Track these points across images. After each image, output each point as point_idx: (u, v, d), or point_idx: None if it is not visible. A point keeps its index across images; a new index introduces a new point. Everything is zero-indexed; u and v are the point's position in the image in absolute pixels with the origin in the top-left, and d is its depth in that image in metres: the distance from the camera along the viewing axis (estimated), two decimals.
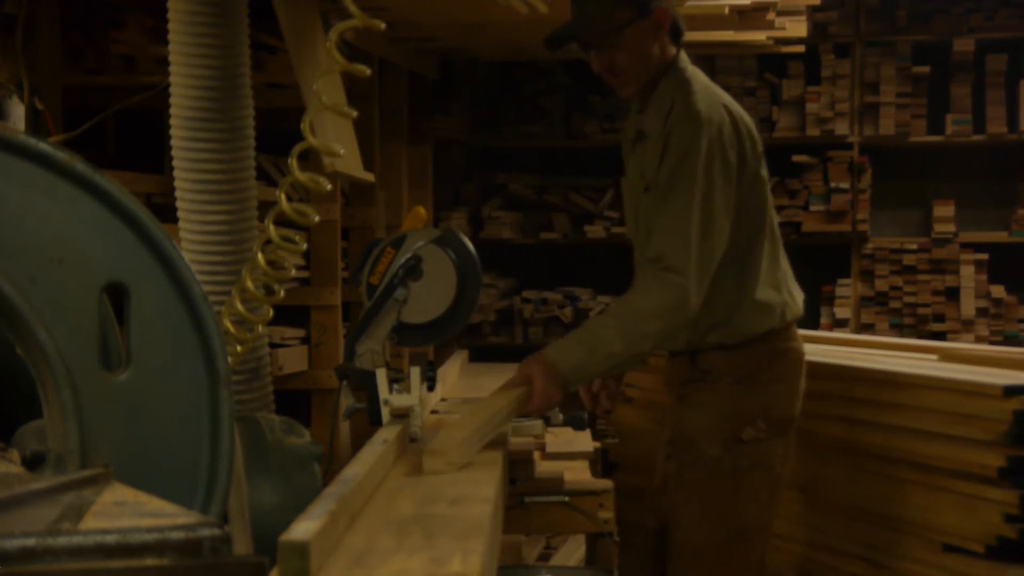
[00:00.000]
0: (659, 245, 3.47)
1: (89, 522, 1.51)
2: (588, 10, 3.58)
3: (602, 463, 5.30)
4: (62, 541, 1.40)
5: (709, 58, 7.91)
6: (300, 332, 4.98)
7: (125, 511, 1.57)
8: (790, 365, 3.70)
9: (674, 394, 3.77)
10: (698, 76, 3.60)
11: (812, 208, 7.89)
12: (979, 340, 7.64)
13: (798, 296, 3.76)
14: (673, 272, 3.43)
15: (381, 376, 3.55)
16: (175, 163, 3.30)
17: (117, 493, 1.64)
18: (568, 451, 4.23)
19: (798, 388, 3.71)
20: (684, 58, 3.63)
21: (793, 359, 3.71)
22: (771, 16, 5.73)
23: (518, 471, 3.82)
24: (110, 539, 1.41)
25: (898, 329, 7.81)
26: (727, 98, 3.60)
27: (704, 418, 3.65)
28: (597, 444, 4.54)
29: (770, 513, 3.70)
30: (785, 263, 3.73)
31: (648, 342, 3.47)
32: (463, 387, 5.18)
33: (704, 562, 3.65)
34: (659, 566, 3.78)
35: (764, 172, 3.63)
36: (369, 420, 3.64)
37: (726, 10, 5.36)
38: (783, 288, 3.69)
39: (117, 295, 2.05)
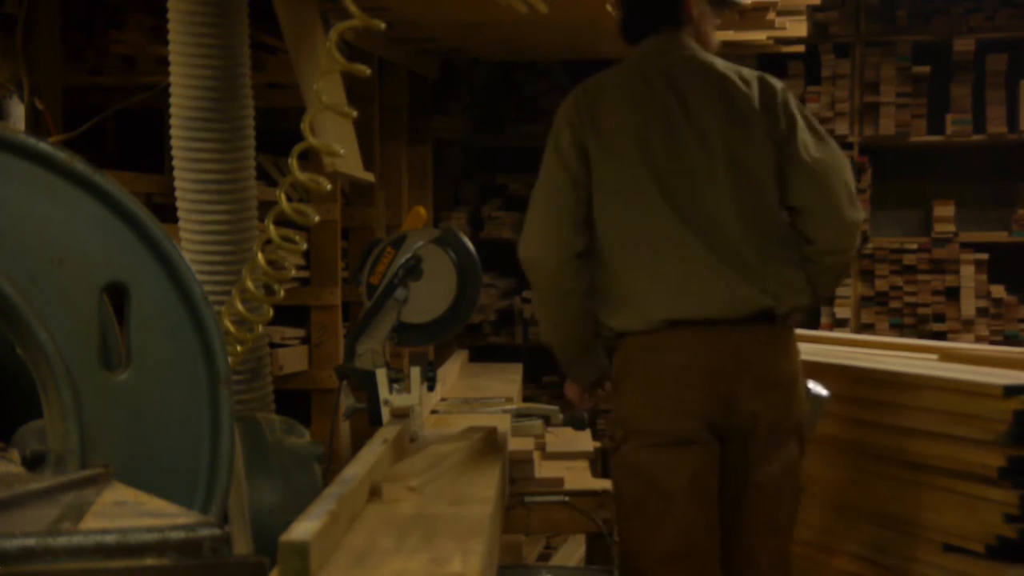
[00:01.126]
0: None
1: (89, 522, 1.51)
2: None
3: (602, 463, 5.30)
4: (62, 541, 1.40)
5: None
6: (300, 332, 4.98)
7: (125, 511, 1.57)
8: (646, 375, 3.44)
9: None
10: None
11: None
12: (979, 340, 7.63)
13: (684, 303, 3.41)
14: None
15: (381, 376, 3.55)
16: (175, 163, 3.30)
17: (117, 493, 1.64)
18: (568, 451, 4.24)
19: (660, 398, 3.41)
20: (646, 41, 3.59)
21: (653, 369, 3.43)
22: (771, 16, 5.73)
23: (518, 471, 3.83)
24: (110, 539, 1.41)
25: (898, 329, 7.81)
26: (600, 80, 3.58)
27: None
28: (597, 444, 4.55)
29: (672, 536, 3.40)
30: (678, 268, 3.40)
31: (540, 314, 3.68)
32: (463, 387, 5.18)
33: None
34: None
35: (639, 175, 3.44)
36: (369, 420, 3.64)
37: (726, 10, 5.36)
38: (650, 291, 3.42)
39: (117, 295, 2.05)
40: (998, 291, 7.81)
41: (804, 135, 3.52)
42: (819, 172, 3.49)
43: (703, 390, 3.38)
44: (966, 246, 7.87)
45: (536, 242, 3.55)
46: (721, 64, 3.62)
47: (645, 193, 3.41)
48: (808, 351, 4.55)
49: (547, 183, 3.54)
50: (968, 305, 7.78)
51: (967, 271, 7.80)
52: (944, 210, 7.90)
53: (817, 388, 3.67)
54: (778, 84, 3.64)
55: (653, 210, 3.41)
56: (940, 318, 7.81)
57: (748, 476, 3.47)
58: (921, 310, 7.83)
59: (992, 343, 7.47)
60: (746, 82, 3.59)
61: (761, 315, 3.43)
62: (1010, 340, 7.66)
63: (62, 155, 1.99)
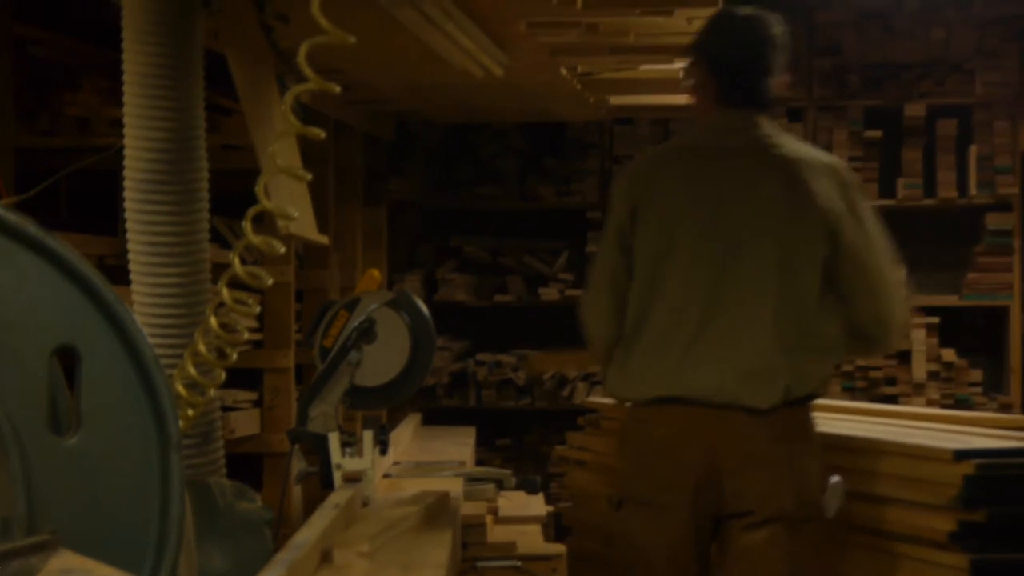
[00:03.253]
0: None
1: None
2: None
3: (555, 527, 5.29)
4: None
5: (664, 122, 7.95)
6: (252, 395, 4.95)
7: None
8: (637, 445, 3.64)
9: None
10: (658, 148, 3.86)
11: None
12: (930, 403, 7.67)
13: (638, 384, 3.61)
14: None
15: (333, 440, 3.54)
16: (128, 225, 3.29)
17: (65, 560, 1.63)
18: (521, 515, 4.23)
19: (645, 468, 3.60)
20: (708, 129, 3.75)
21: (642, 441, 3.62)
22: None
23: (470, 535, 3.82)
24: None
25: (850, 392, 7.83)
26: (648, 159, 3.79)
27: None
28: (550, 508, 4.54)
29: None
30: (654, 350, 3.57)
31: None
32: (416, 450, 5.17)
33: None
34: None
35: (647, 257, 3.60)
36: (321, 484, 3.62)
37: (680, 74, 5.40)
38: (638, 369, 3.59)
39: (68, 358, 2.04)
40: (949, 355, 7.86)
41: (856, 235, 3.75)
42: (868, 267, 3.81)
43: (685, 463, 3.53)
44: (917, 310, 7.91)
45: (589, 325, 3.74)
46: (797, 150, 3.72)
47: (667, 278, 3.56)
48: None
49: (596, 268, 3.74)
50: (919, 368, 7.82)
51: (918, 335, 7.84)
52: None
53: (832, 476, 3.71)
54: (851, 178, 3.79)
55: (672, 295, 3.56)
56: (892, 381, 7.84)
57: (728, 552, 3.60)
58: (873, 373, 7.86)
59: (943, 407, 7.51)
60: (819, 171, 3.67)
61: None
62: (961, 403, 7.70)
63: (13, 218, 1.98)
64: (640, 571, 3.61)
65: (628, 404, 3.69)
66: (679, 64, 5.31)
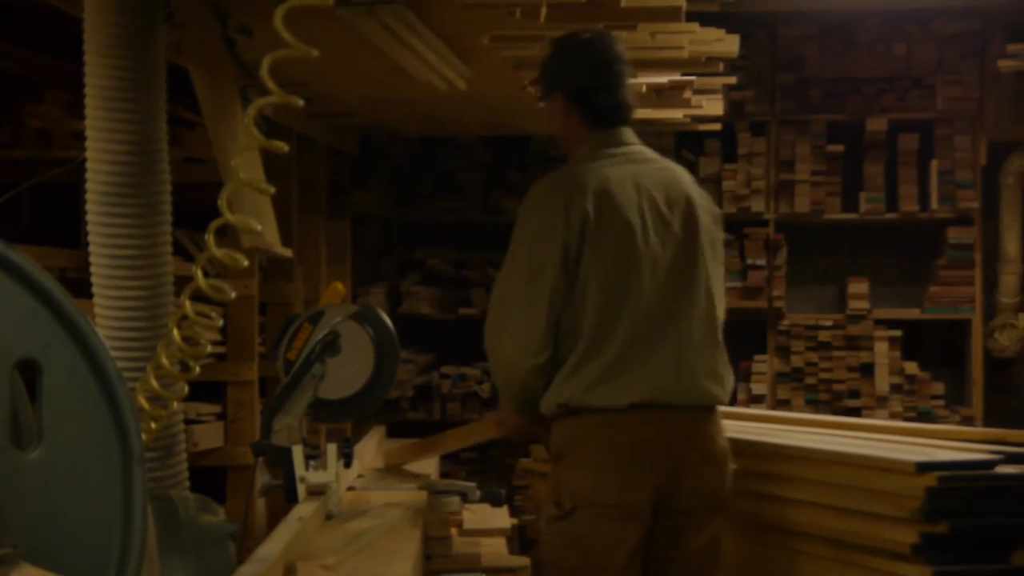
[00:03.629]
0: None
1: None
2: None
3: (519, 540, 5.29)
4: None
5: None
6: (216, 408, 4.93)
7: None
8: (605, 450, 3.62)
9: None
10: (575, 166, 3.79)
11: (728, 284, 7.93)
12: (893, 416, 7.71)
13: (656, 389, 3.64)
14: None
15: (297, 453, 3.53)
16: (90, 238, 3.28)
17: (26, 574, 1.62)
18: (485, 528, 4.22)
19: (613, 473, 3.61)
20: (595, 152, 3.79)
21: (610, 445, 3.62)
22: (688, 95, 5.78)
23: (435, 548, 3.81)
24: None
25: (814, 405, 7.87)
26: (579, 183, 3.70)
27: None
28: (514, 521, 4.54)
29: None
30: (626, 357, 3.63)
31: (499, 382, 3.89)
32: (380, 463, 5.15)
33: None
34: None
35: (608, 262, 3.66)
36: (285, 497, 3.61)
37: (644, 88, 5.41)
38: (631, 375, 3.63)
39: (29, 371, 2.03)
40: (911, 368, 7.90)
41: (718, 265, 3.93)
42: None
43: (653, 465, 3.62)
44: (880, 323, 7.96)
45: (509, 348, 3.73)
46: (671, 164, 4.00)
47: (631, 287, 3.66)
48: (724, 427, 4.58)
49: (530, 289, 3.68)
50: (882, 381, 7.86)
51: (881, 348, 7.88)
52: (858, 287, 7.99)
53: None
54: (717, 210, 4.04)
55: (637, 303, 3.66)
56: (855, 394, 7.88)
57: (677, 550, 3.68)
58: (836, 386, 7.90)
59: (906, 419, 7.54)
60: (702, 195, 3.96)
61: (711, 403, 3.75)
62: (923, 416, 7.75)
63: None
64: None
65: (580, 411, 3.64)
66: (642, 78, 5.33)
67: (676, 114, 6.52)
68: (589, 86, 3.81)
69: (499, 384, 3.93)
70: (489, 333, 3.79)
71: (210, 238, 2.82)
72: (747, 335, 8.08)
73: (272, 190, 2.99)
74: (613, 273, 3.66)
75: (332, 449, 3.63)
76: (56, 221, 5.04)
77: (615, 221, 3.67)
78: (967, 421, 7.76)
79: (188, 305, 2.90)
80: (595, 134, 3.82)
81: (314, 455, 3.72)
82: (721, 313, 3.85)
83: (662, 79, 5.44)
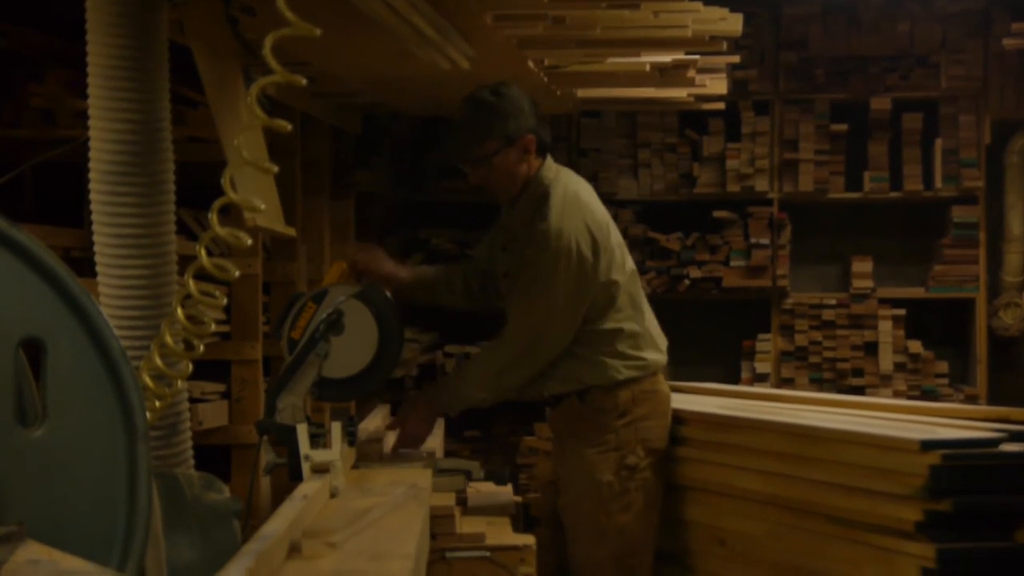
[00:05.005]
0: (509, 317, 4.44)
1: None
2: (461, 139, 4.34)
3: (524, 518, 5.29)
4: None
5: (631, 115, 7.98)
6: (220, 387, 4.93)
7: (39, 570, 1.55)
8: (664, 404, 4.56)
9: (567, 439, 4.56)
10: (558, 192, 4.36)
11: (733, 263, 7.95)
12: (897, 395, 7.72)
13: (656, 357, 4.55)
14: (508, 337, 4.42)
15: (302, 431, 3.53)
16: (94, 217, 3.27)
17: (31, 551, 1.62)
18: (490, 506, 4.23)
19: (666, 423, 4.56)
20: (548, 167, 4.40)
21: (663, 399, 4.56)
22: (691, 74, 5.77)
23: (439, 526, 3.81)
24: None
25: (818, 383, 7.87)
26: (584, 212, 4.35)
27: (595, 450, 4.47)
28: (519, 499, 4.54)
29: (654, 530, 4.52)
30: (645, 327, 4.53)
31: (488, 390, 4.48)
32: (385, 442, 5.15)
33: (605, 574, 4.45)
34: None
35: (621, 262, 4.45)
36: (289, 475, 3.61)
37: (647, 67, 5.40)
38: (639, 347, 4.49)
39: (34, 350, 2.03)
40: (915, 346, 7.91)
41: None
42: None
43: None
44: (884, 302, 7.96)
45: (565, 339, 4.41)
46: None
47: (636, 277, 4.57)
48: (729, 405, 4.60)
49: (578, 295, 4.35)
50: (886, 360, 7.86)
51: (885, 326, 7.89)
52: (862, 266, 7.99)
53: None
54: None
55: (636, 283, 4.57)
56: (859, 373, 7.88)
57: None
58: (840, 365, 7.90)
59: (910, 398, 7.55)
60: None
61: None
62: (927, 395, 7.75)
63: None
64: (655, 519, 4.52)
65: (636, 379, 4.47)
66: (646, 57, 5.32)
67: (679, 93, 6.52)
68: (538, 122, 4.35)
69: (514, 378, 4.47)
70: (551, 340, 4.39)
71: (214, 217, 2.82)
72: (751, 314, 8.09)
73: (275, 169, 2.99)
74: (624, 262, 4.47)
75: (337, 427, 3.63)
76: (59, 200, 5.04)
77: (608, 220, 4.47)
78: (971, 400, 7.77)
79: (192, 284, 2.90)
80: (544, 164, 4.40)
81: (318, 434, 3.72)
82: None
83: (665, 58, 5.43)
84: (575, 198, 4.37)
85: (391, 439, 4.56)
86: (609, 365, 4.43)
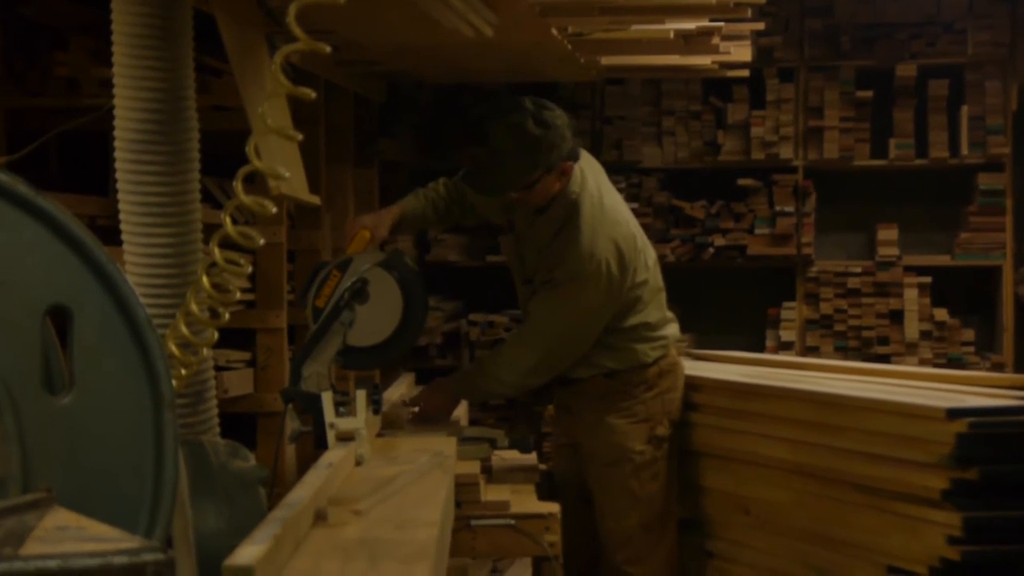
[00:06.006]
0: (531, 318, 4.53)
1: (31, 547, 1.49)
2: (508, 172, 4.37)
3: (548, 486, 5.29)
4: (2, 567, 1.38)
5: (655, 82, 7.95)
6: (246, 355, 4.95)
7: (67, 536, 1.55)
8: (679, 376, 4.68)
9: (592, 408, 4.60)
10: (585, 204, 4.43)
11: (757, 231, 7.93)
12: (923, 363, 7.69)
13: (674, 329, 4.73)
14: (527, 344, 4.52)
15: (327, 399, 3.54)
16: (119, 185, 3.28)
17: (59, 518, 1.63)
18: (514, 474, 4.23)
19: (682, 394, 4.69)
20: (575, 177, 4.45)
21: (679, 371, 4.71)
22: (716, 41, 5.74)
23: (464, 494, 3.82)
24: (52, 564, 1.40)
25: (843, 352, 7.85)
26: (611, 222, 4.45)
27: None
28: (543, 467, 4.55)
29: (675, 498, 4.68)
30: (662, 305, 4.68)
31: (506, 388, 4.65)
32: (409, 410, 5.16)
33: (634, 541, 4.55)
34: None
35: (644, 262, 4.56)
36: (315, 443, 3.63)
37: (671, 34, 5.37)
38: (659, 328, 4.63)
39: (60, 318, 2.03)
40: (941, 314, 7.88)
41: None
42: None
43: None
44: (909, 269, 7.93)
45: (589, 343, 4.51)
46: None
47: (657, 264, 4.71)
48: (754, 374, 4.59)
49: (605, 308, 4.47)
50: (912, 328, 7.84)
51: (910, 294, 7.86)
52: (887, 234, 7.96)
53: None
54: None
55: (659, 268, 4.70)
56: (884, 341, 7.86)
57: None
58: (865, 333, 7.88)
59: (936, 366, 7.53)
60: None
61: None
62: (953, 363, 7.73)
63: (4, 177, 1.97)
64: (676, 488, 4.66)
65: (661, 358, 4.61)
66: (670, 24, 5.29)
67: (704, 60, 6.49)
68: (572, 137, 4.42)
69: (541, 374, 4.57)
70: (577, 346, 4.50)
71: (238, 185, 2.82)
72: (776, 282, 8.07)
73: (300, 137, 2.99)
74: (647, 258, 4.60)
75: (361, 396, 3.64)
76: (84, 169, 5.05)
77: (631, 220, 4.60)
78: (997, 367, 7.74)
79: (217, 252, 2.91)
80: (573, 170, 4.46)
81: (343, 402, 3.72)
82: None
83: (690, 25, 5.40)
84: (601, 210, 4.46)
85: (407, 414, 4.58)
86: (638, 351, 4.56)
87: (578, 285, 4.39)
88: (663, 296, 4.69)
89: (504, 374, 4.55)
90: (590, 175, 4.53)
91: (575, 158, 4.46)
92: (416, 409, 4.60)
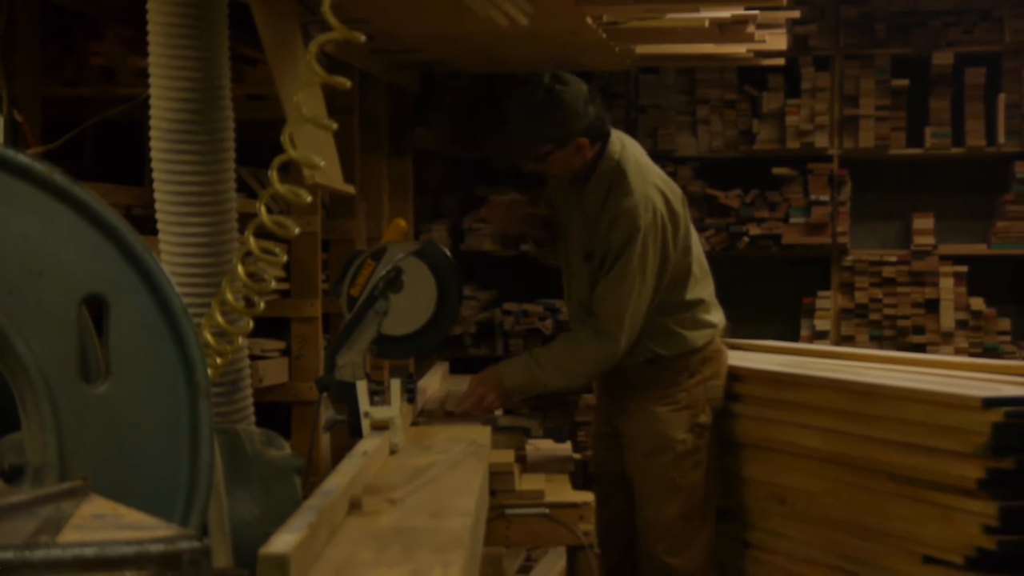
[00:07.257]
0: (598, 309, 4.38)
1: (68, 535, 1.50)
2: (515, 141, 4.42)
3: (583, 475, 5.30)
4: (40, 554, 1.39)
5: (690, 71, 7.93)
6: (280, 344, 4.96)
7: (104, 524, 1.56)
8: (722, 364, 4.64)
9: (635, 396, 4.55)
10: (630, 163, 4.41)
11: (792, 221, 7.90)
12: (958, 352, 7.66)
13: (722, 317, 4.70)
14: (606, 334, 4.35)
15: (361, 388, 3.54)
16: (155, 175, 3.29)
17: (96, 506, 1.63)
18: (549, 463, 4.24)
19: (724, 382, 4.64)
20: (613, 147, 4.42)
21: (723, 359, 4.66)
22: (751, 29, 5.72)
23: (499, 483, 3.83)
24: (89, 552, 1.41)
25: (878, 341, 7.83)
26: (656, 176, 4.46)
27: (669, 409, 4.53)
28: (578, 456, 4.55)
29: (715, 488, 4.63)
30: (711, 291, 4.66)
31: (578, 380, 4.65)
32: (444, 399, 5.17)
33: (673, 531, 4.48)
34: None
35: (689, 229, 4.54)
36: (349, 432, 3.64)
37: (706, 23, 5.35)
38: (709, 312, 4.61)
39: (96, 307, 2.04)
40: (977, 303, 7.84)
41: None
42: None
43: None
44: (945, 259, 7.89)
45: (627, 346, 4.41)
46: None
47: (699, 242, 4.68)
48: (788, 363, 4.58)
49: (662, 269, 4.42)
50: (947, 317, 7.80)
51: (946, 283, 7.82)
52: (923, 223, 7.92)
53: None
54: None
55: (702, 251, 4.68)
56: (919, 330, 7.83)
57: None
58: (900, 322, 7.85)
59: (971, 355, 7.49)
60: None
61: None
62: (989, 352, 7.69)
63: (40, 167, 1.98)
64: (715, 477, 4.62)
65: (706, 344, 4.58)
66: (705, 13, 5.28)
67: (739, 49, 6.47)
68: (596, 111, 4.40)
69: (585, 374, 4.59)
70: (622, 340, 4.36)
71: (273, 174, 2.82)
72: (811, 271, 8.04)
73: (334, 126, 2.99)
74: (691, 231, 4.56)
75: (396, 384, 3.65)
76: (120, 158, 5.07)
77: (684, 217, 4.52)
78: None
79: (252, 241, 2.91)
80: (607, 146, 4.42)
81: (378, 391, 3.73)
82: None
83: (725, 13, 5.39)
84: (648, 167, 4.48)
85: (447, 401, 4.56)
86: (686, 336, 4.54)
87: (638, 245, 4.30)
88: (711, 282, 4.66)
89: (567, 366, 4.43)
90: (630, 146, 4.51)
91: (596, 136, 4.39)
92: (457, 409, 4.45)
